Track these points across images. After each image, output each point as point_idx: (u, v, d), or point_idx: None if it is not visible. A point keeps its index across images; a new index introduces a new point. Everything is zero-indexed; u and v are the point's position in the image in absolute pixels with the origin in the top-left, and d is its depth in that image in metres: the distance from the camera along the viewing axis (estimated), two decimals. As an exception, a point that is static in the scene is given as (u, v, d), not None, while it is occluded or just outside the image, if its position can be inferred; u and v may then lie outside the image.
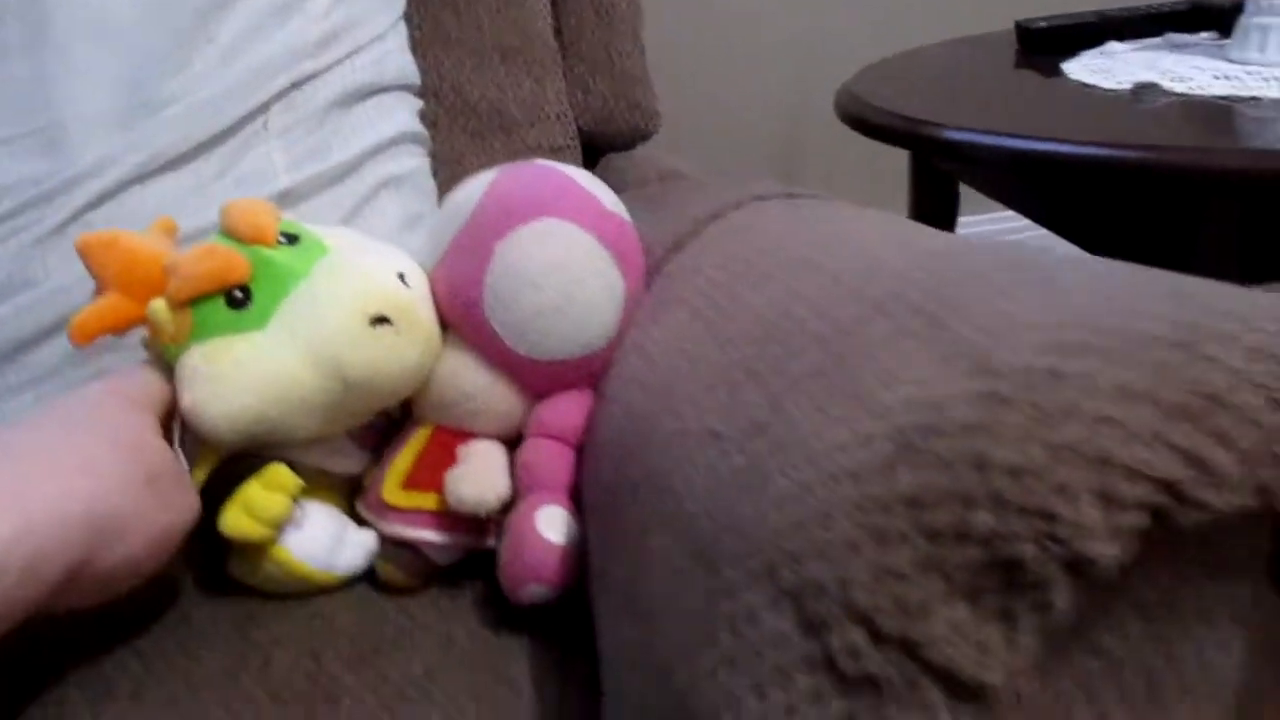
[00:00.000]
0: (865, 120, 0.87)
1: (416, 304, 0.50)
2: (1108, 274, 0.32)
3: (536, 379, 0.51)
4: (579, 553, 0.48)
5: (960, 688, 0.28)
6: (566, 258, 0.49)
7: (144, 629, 0.49)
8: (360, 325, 0.48)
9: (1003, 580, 0.27)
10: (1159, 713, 0.32)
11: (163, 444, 0.48)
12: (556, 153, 0.87)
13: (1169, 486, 0.27)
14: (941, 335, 0.30)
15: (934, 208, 1.02)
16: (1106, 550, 0.27)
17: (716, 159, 1.47)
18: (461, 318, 0.51)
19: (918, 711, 0.28)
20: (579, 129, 0.89)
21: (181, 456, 0.50)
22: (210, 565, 0.53)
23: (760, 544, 0.29)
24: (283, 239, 0.50)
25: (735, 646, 0.29)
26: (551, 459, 0.51)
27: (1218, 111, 0.74)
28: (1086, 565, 0.27)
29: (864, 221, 0.44)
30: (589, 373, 0.51)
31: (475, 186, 0.52)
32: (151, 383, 0.50)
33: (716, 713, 0.29)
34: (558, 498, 0.50)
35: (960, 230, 1.60)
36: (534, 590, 0.48)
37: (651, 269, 0.54)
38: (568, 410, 0.52)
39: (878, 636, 0.28)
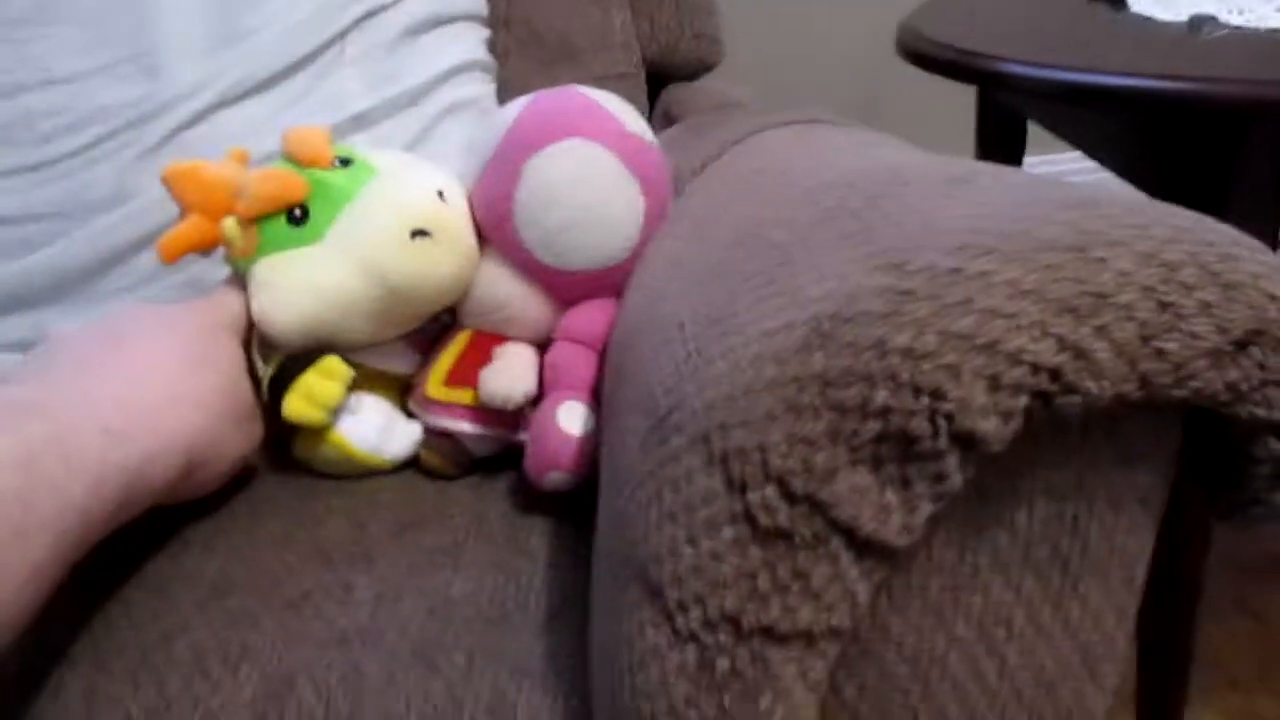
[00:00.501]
0: (923, 54, 0.88)
1: (454, 218, 0.55)
2: (1031, 187, 0.35)
3: (563, 288, 0.56)
4: (597, 443, 0.53)
5: (862, 544, 0.32)
6: (589, 174, 0.54)
7: (219, 501, 0.57)
8: (402, 238, 0.54)
9: (901, 452, 0.31)
10: (1069, 587, 0.36)
11: (249, 382, 0.55)
12: (621, 80, 0.90)
13: (1050, 372, 0.30)
14: (870, 237, 0.34)
15: (999, 146, 1.02)
16: (991, 427, 0.30)
17: (789, 94, 1.48)
18: (495, 231, 0.56)
19: (824, 562, 0.32)
20: (644, 58, 0.92)
21: (260, 363, 0.57)
22: (280, 450, 0.60)
23: (697, 415, 0.34)
24: (337, 162, 0.56)
25: (675, 502, 0.34)
26: (574, 360, 0.56)
27: (1274, 44, 0.73)
28: (974, 440, 0.31)
29: (858, 143, 0.47)
30: (612, 283, 0.56)
31: (511, 110, 0.57)
32: (235, 303, 0.57)
33: (660, 559, 0.34)
34: (579, 395, 0.55)
35: (1031, 167, 1.58)
36: (554, 477, 0.54)
37: (679, 189, 0.58)
38: (592, 318, 0.56)
39: (790, 495, 0.32)
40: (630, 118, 0.56)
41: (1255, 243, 0.33)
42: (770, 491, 0.32)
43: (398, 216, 0.54)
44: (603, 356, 0.56)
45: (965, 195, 0.35)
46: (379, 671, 0.43)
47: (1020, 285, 0.30)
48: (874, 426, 0.31)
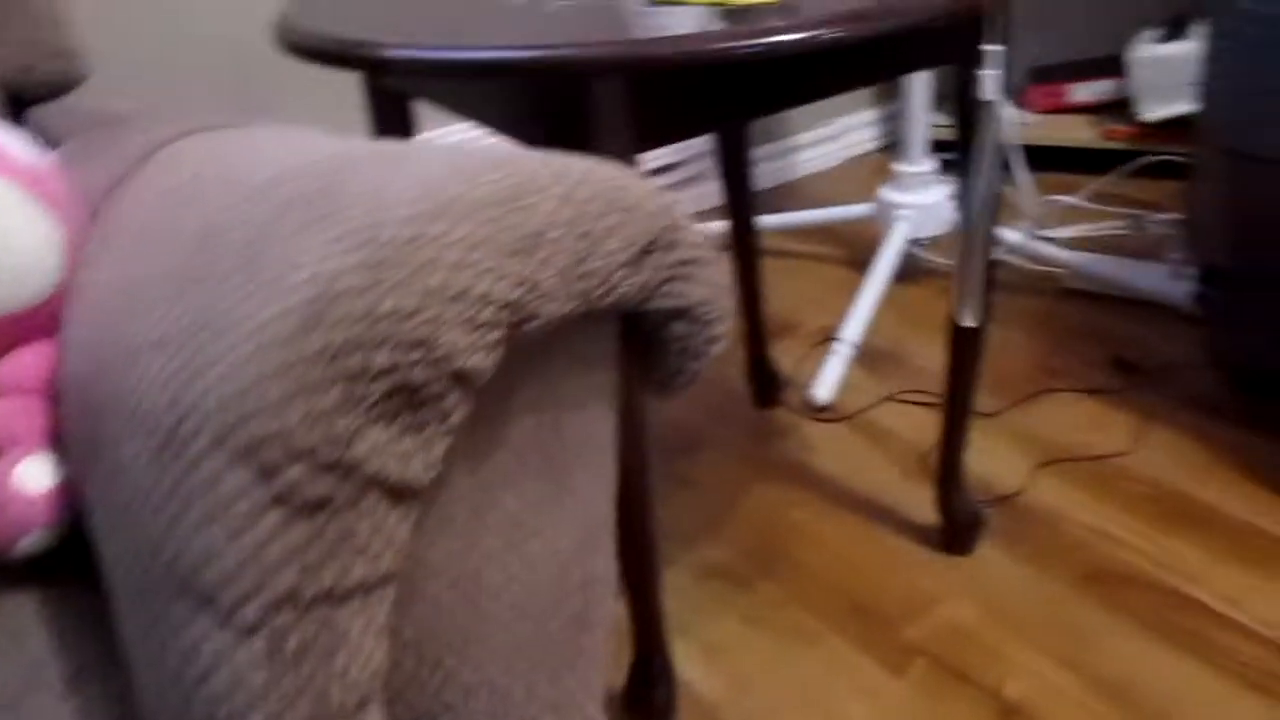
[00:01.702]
0: (307, 47, 0.90)
1: None
2: (456, 155, 0.40)
3: (-11, 338, 0.51)
4: (75, 488, 0.49)
5: (394, 491, 0.36)
6: (-10, 212, 0.49)
7: None
8: None
9: (409, 401, 0.35)
10: (563, 478, 0.43)
11: None
12: (-27, 108, 0.81)
13: (513, 306, 0.36)
14: (333, 220, 0.37)
15: (390, 126, 1.08)
16: (478, 362, 0.36)
17: (169, 98, 1.42)
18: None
19: (365, 517, 0.35)
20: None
21: None
22: None
23: (212, 417, 0.34)
24: None
25: (207, 506, 0.34)
26: (21, 414, 0.51)
27: (600, 11, 0.87)
28: (466, 376, 0.36)
29: (281, 139, 0.49)
30: (40, 323, 0.52)
31: None
32: None
33: (206, 565, 0.35)
34: (38, 447, 0.51)
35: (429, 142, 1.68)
36: (28, 542, 0.49)
37: (93, 211, 0.55)
38: (30, 363, 0.52)
39: (321, 467, 0.34)
40: (19, 145, 0.52)
41: (634, 171, 0.41)
42: (300, 469, 0.34)
43: None
44: (56, 399, 0.52)
45: (407, 170, 0.39)
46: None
47: (473, 239, 0.36)
48: (381, 386, 0.35)
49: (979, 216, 0.97)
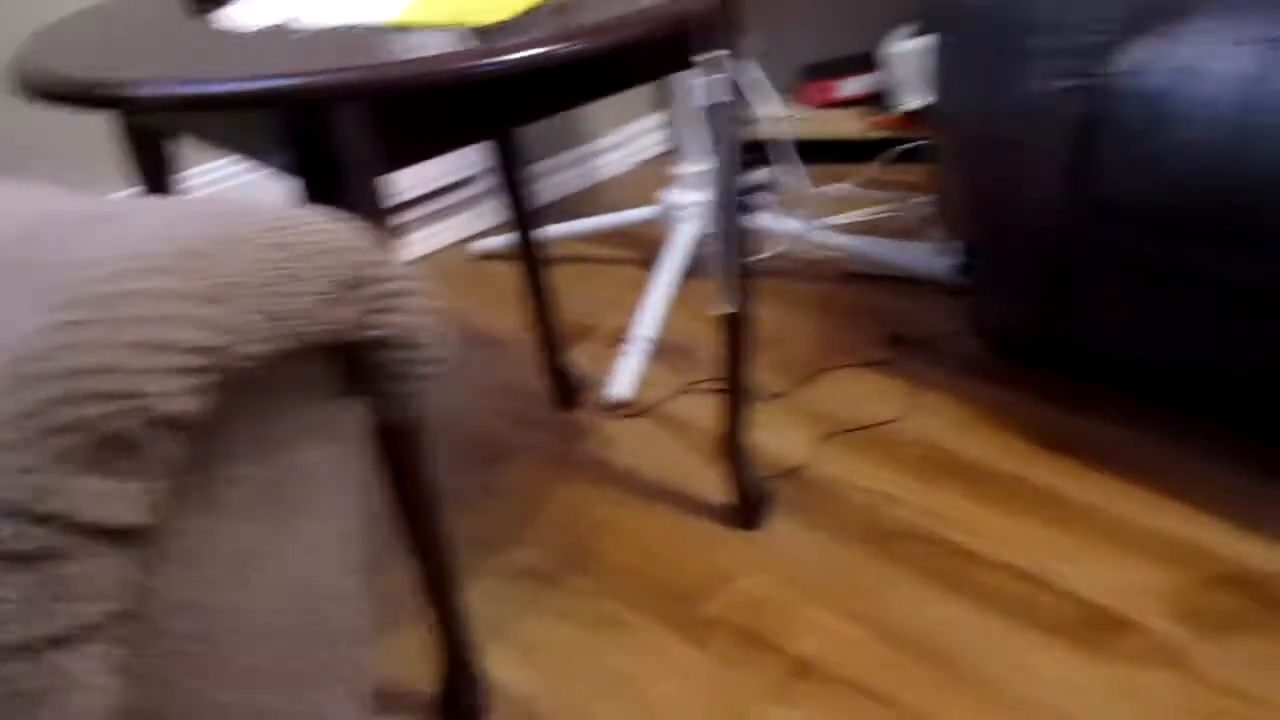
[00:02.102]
0: (38, 88, 0.88)
1: None
2: (166, 209, 0.42)
3: None
4: None
5: (114, 534, 0.38)
6: None
7: None
8: None
9: (120, 451, 0.37)
10: (294, 505, 0.45)
11: None
12: None
13: (215, 351, 0.39)
14: (35, 281, 0.38)
15: (148, 167, 1.06)
16: (185, 407, 0.38)
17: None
18: None
19: (87, 562, 0.37)
20: None
21: None
22: None
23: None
24: None
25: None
26: None
27: (340, 39, 0.89)
28: (177, 421, 0.38)
29: (3, 195, 0.49)
30: None
31: None
32: None
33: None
34: None
35: (193, 179, 1.64)
36: None
37: None
38: None
39: (35, 519, 0.36)
40: None
41: (342, 214, 0.44)
42: (12, 524, 0.35)
43: None
44: None
45: (112, 228, 0.40)
46: None
47: (173, 290, 0.38)
48: (89, 438, 0.36)
49: (724, 211, 1.04)
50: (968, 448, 1.30)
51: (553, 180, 2.13)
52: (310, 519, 0.45)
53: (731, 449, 1.18)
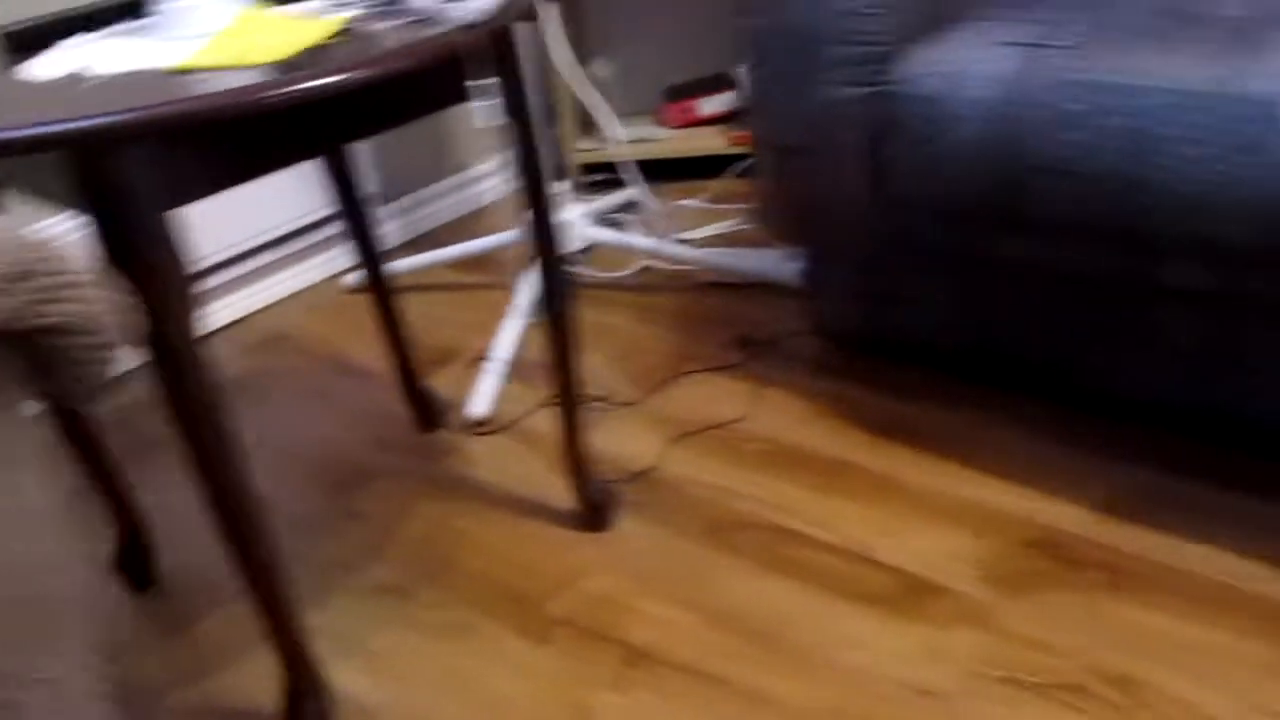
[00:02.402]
0: None
1: None
2: None
3: None
4: None
5: None
6: None
7: None
8: None
9: None
10: None
11: None
12: None
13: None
14: None
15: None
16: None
17: None
18: None
19: None
20: None
21: None
22: None
23: None
24: None
25: None
26: None
27: (129, 84, 0.93)
28: None
29: None
30: None
31: None
32: None
33: None
34: None
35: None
36: None
37: None
38: None
39: None
40: None
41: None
42: None
43: None
44: None
45: None
46: None
47: None
48: None
49: (532, 228, 1.10)
50: (807, 439, 1.37)
51: (430, 209, 2.17)
52: (6, 495, 0.49)
53: (572, 456, 1.23)
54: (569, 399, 1.20)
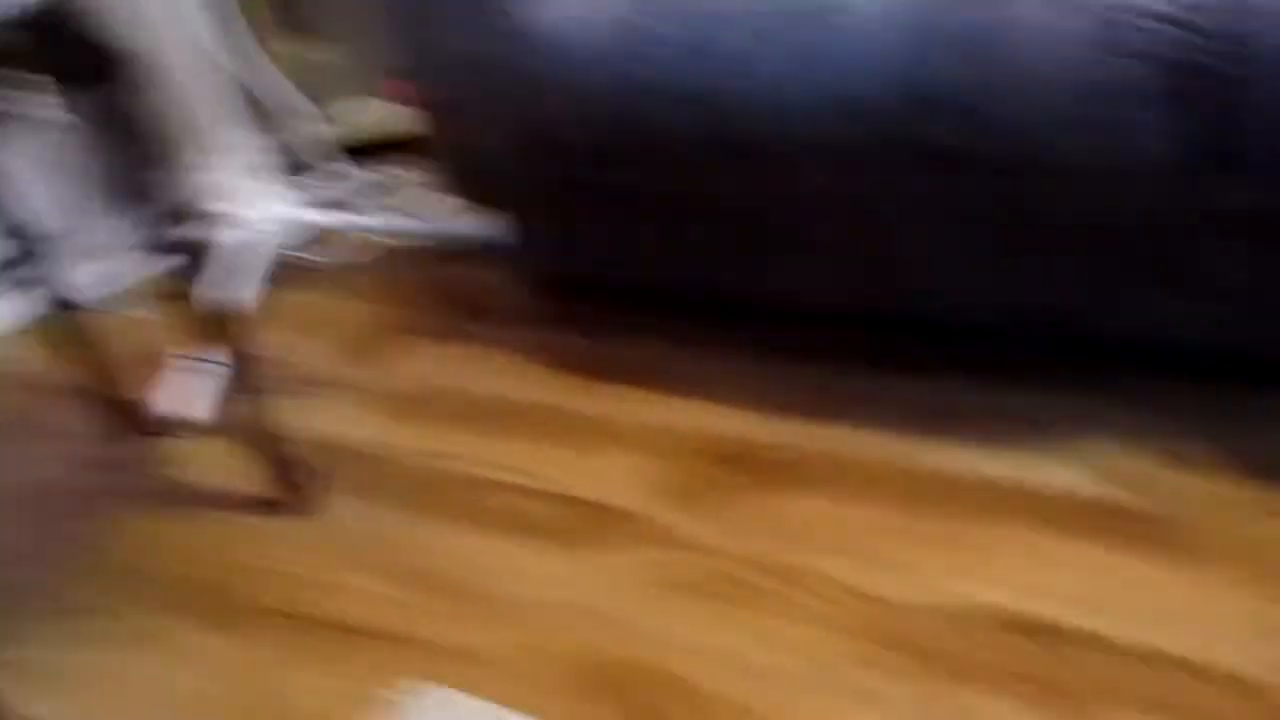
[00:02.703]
0: None
1: None
2: None
3: None
4: None
5: None
6: None
7: None
8: None
9: None
10: None
11: None
12: None
13: None
14: None
15: None
16: None
17: None
18: None
19: None
20: None
21: None
22: None
23: None
24: None
25: None
26: None
27: None
28: None
29: None
30: None
31: None
32: None
33: None
34: None
35: None
36: None
37: None
38: None
39: None
40: None
41: None
42: None
43: None
44: None
45: None
46: None
47: None
48: None
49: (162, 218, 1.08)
50: (516, 392, 1.39)
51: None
52: None
53: (266, 446, 1.22)
54: (248, 387, 1.18)
